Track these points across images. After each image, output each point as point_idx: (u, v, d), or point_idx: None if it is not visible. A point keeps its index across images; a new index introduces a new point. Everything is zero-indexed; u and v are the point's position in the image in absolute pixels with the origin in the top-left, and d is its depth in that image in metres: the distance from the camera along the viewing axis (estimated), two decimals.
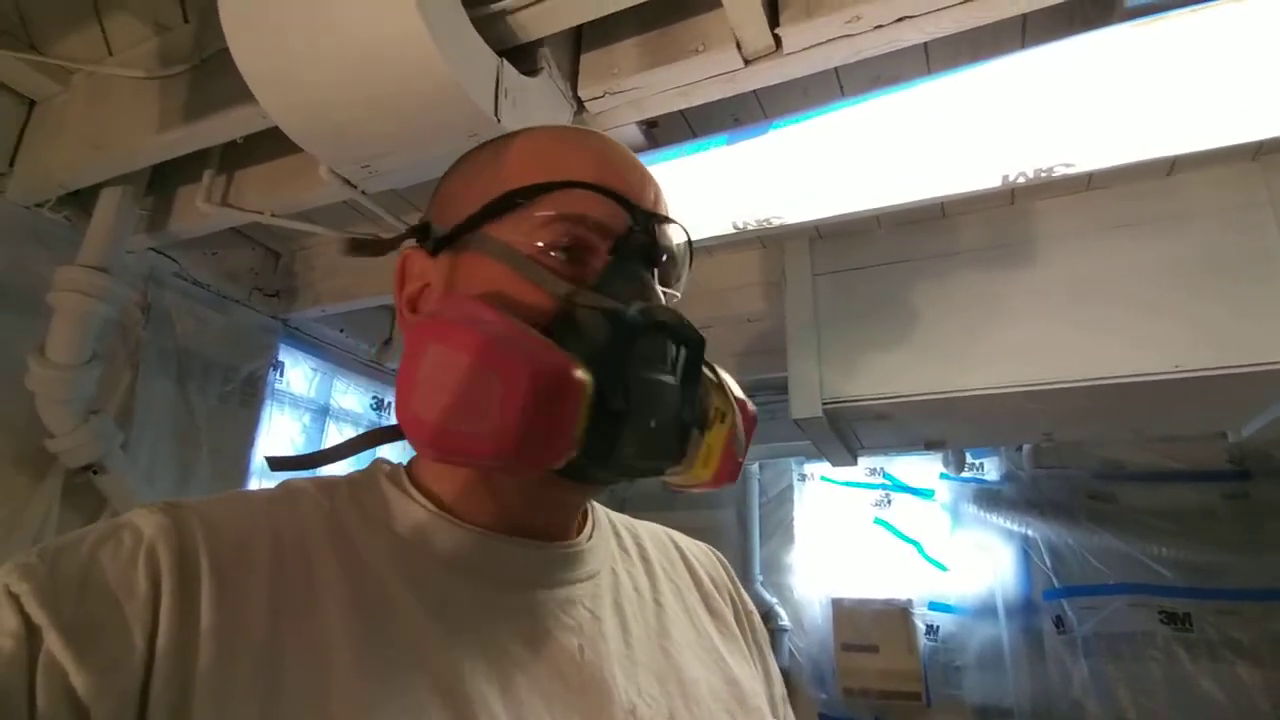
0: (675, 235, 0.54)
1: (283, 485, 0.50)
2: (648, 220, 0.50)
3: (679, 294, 0.56)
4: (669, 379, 0.48)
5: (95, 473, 1.31)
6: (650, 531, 0.65)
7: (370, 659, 0.41)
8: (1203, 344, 1.27)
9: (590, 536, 0.55)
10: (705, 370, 0.53)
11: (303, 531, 0.45)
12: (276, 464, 0.54)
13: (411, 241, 0.53)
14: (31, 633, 0.36)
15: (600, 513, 0.60)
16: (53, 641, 0.35)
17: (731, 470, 0.53)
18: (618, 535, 0.61)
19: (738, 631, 0.62)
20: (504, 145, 0.54)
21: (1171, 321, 1.30)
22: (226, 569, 0.41)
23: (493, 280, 0.48)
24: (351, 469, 0.54)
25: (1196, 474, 2.23)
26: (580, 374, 0.42)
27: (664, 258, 0.52)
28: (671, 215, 0.54)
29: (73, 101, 1.20)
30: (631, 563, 0.59)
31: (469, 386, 0.41)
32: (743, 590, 0.66)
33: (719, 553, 0.69)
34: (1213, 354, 1.26)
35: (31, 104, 1.24)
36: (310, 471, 0.53)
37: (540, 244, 0.48)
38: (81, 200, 1.29)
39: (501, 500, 0.50)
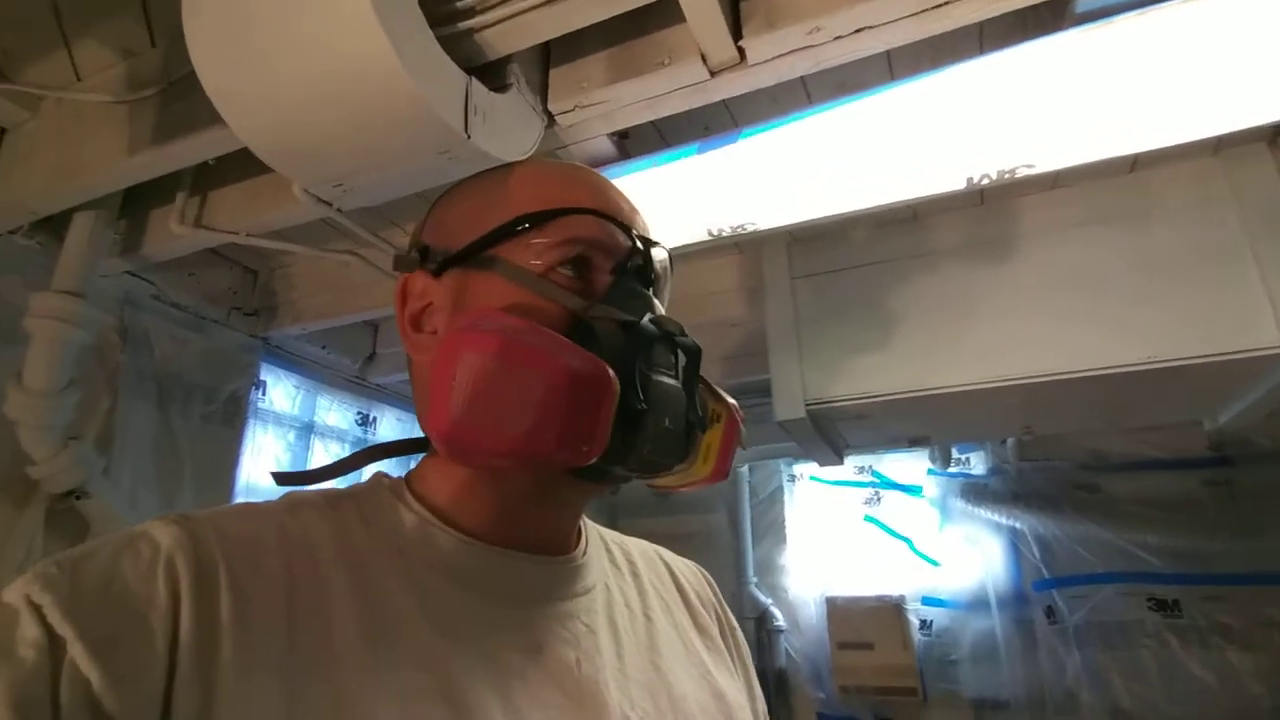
0: (662, 257, 0.58)
1: (288, 497, 0.52)
2: (644, 244, 0.55)
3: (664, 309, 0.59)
4: (675, 383, 0.52)
5: (78, 498, 1.30)
6: (639, 548, 0.67)
7: (378, 668, 0.42)
8: (1175, 334, 1.29)
9: (585, 551, 0.57)
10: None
11: (311, 544, 0.47)
12: (282, 479, 0.55)
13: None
14: (54, 643, 0.36)
15: (591, 529, 0.62)
16: (76, 652, 0.36)
17: (726, 466, 0.58)
18: (609, 551, 0.62)
19: (723, 647, 0.64)
20: (505, 175, 0.58)
21: (1143, 313, 1.32)
22: (243, 580, 0.42)
23: (506, 297, 0.51)
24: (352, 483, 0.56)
25: (1178, 462, 2.26)
26: (613, 375, 0.46)
27: (654, 277, 0.57)
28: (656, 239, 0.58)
29: (42, 128, 1.20)
30: (623, 578, 0.61)
31: (515, 389, 0.44)
32: (727, 607, 0.69)
33: (704, 570, 0.71)
34: (1185, 344, 1.28)
35: (2, 131, 1.24)
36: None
37: (549, 264, 0.52)
38: (54, 226, 1.28)
39: (505, 504, 0.52)
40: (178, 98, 1.09)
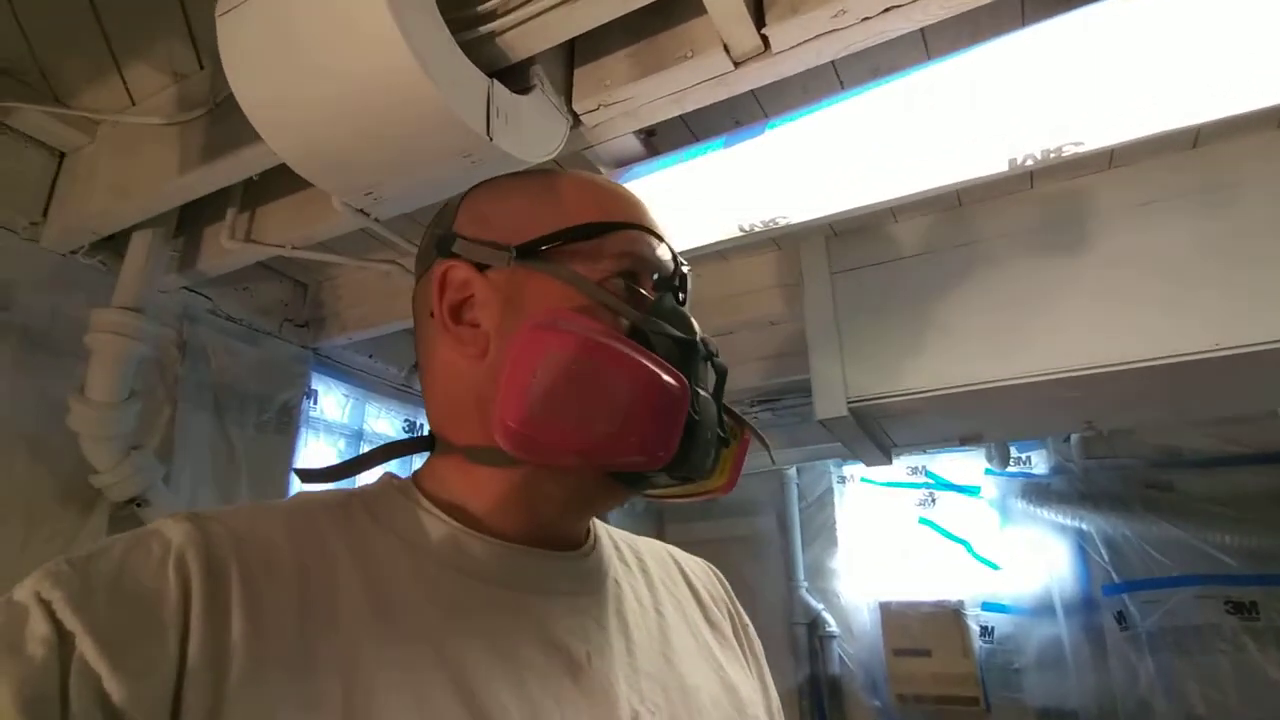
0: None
1: (298, 497, 0.52)
2: (682, 264, 0.59)
3: None
4: (711, 400, 0.54)
5: (139, 506, 1.35)
6: (649, 546, 0.67)
7: (389, 663, 0.42)
8: (1241, 319, 1.21)
9: (594, 548, 0.57)
10: None
11: (322, 541, 0.47)
12: (306, 477, 0.56)
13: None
14: (63, 639, 0.36)
15: (600, 527, 0.62)
16: (86, 648, 0.36)
17: (736, 480, 0.60)
18: (617, 549, 0.62)
19: (735, 643, 0.64)
20: (553, 181, 0.58)
21: (1206, 298, 1.25)
22: (254, 577, 0.42)
23: (569, 301, 0.51)
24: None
25: (1257, 456, 2.13)
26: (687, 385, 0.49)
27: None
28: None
29: (100, 151, 1.26)
30: (632, 575, 0.61)
31: (604, 390, 0.46)
32: (739, 605, 0.69)
33: (716, 569, 0.71)
34: (1252, 329, 1.20)
35: (62, 156, 1.31)
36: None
37: (605, 274, 0.53)
38: (114, 245, 1.34)
39: (537, 507, 0.52)
40: (224, 117, 1.13)
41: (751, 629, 0.67)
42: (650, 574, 0.62)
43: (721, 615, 0.65)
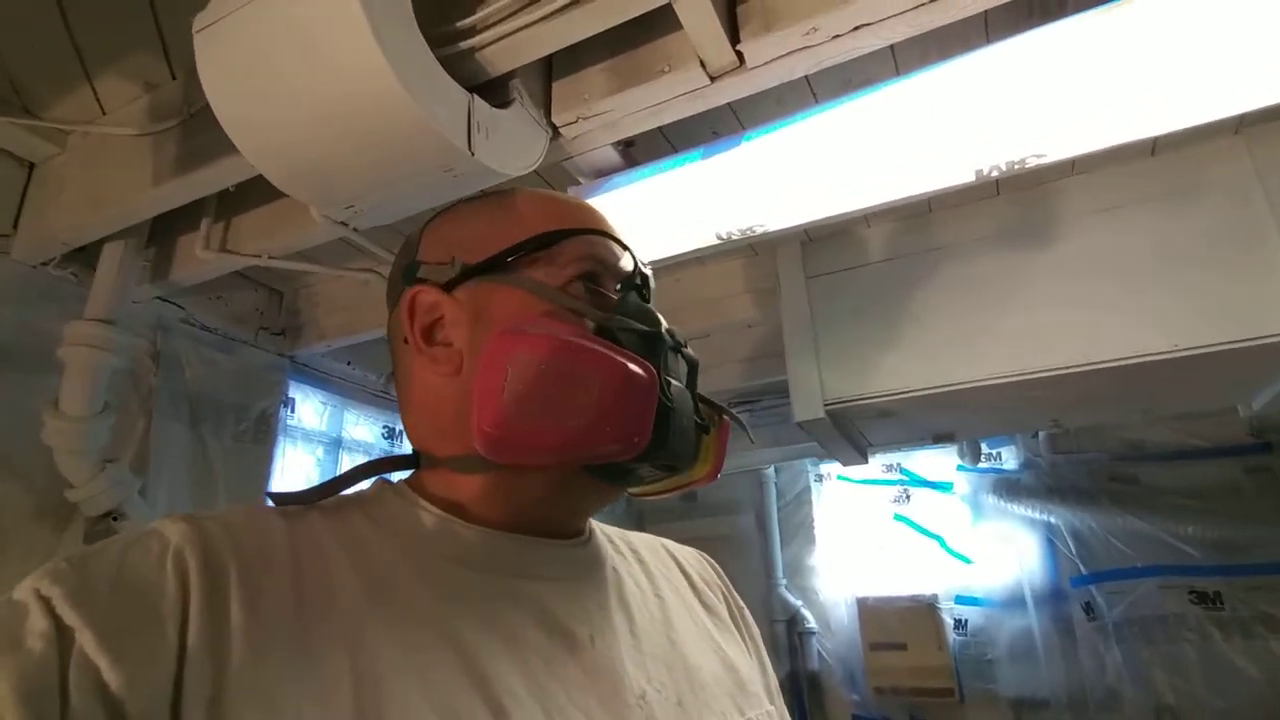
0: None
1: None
2: (642, 265, 0.60)
3: None
4: (684, 388, 0.55)
5: (115, 520, 1.33)
6: (642, 539, 0.70)
7: (396, 644, 0.43)
8: (1200, 321, 1.26)
9: (589, 539, 0.59)
10: None
11: (316, 539, 0.48)
12: (281, 500, 0.56)
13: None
14: (62, 633, 0.37)
15: (593, 523, 0.63)
16: (85, 641, 0.37)
17: (720, 467, 0.62)
18: (611, 541, 0.64)
19: (732, 625, 0.66)
20: (510, 199, 0.60)
21: (1166, 301, 1.29)
22: (252, 572, 0.43)
23: (533, 308, 0.53)
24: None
25: (1217, 449, 2.20)
26: (656, 374, 0.50)
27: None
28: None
29: (70, 162, 1.24)
30: (629, 563, 0.63)
31: (573, 386, 0.47)
32: (734, 590, 0.71)
33: (708, 556, 0.74)
34: (1211, 330, 1.25)
35: (31, 167, 1.29)
36: None
37: (566, 280, 0.55)
38: (86, 256, 1.32)
39: (524, 505, 0.53)
40: (198, 128, 1.12)
41: (747, 613, 0.70)
42: (646, 563, 0.64)
43: (717, 599, 0.67)
